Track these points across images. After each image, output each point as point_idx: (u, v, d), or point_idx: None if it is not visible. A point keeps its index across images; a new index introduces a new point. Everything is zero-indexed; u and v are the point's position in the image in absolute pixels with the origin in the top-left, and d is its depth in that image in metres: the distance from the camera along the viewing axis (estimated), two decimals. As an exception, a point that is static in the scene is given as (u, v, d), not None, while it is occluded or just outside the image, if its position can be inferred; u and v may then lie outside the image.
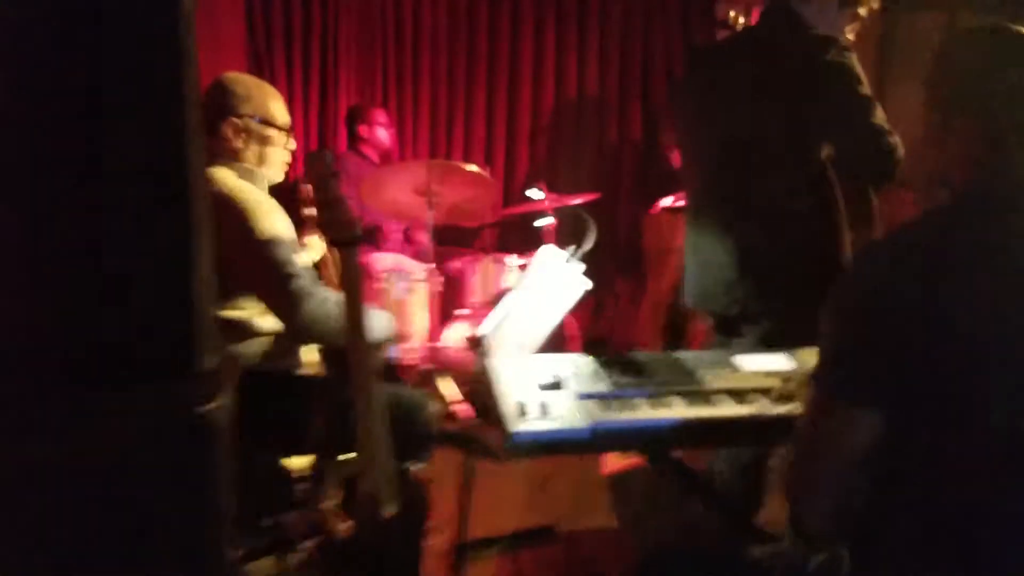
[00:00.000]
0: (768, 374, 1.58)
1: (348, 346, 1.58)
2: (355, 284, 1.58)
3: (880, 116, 1.83)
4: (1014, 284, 0.96)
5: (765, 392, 1.47)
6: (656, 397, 1.45)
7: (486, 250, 3.95)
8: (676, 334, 3.84)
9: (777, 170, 1.94)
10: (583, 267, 1.95)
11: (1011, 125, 1.02)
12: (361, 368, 1.57)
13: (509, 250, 3.97)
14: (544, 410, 1.37)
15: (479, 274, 3.76)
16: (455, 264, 3.85)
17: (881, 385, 0.97)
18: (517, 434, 1.31)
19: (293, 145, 1.94)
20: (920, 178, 1.16)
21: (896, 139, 1.83)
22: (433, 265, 3.49)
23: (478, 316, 3.69)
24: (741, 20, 2.33)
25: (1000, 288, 0.95)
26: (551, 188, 3.77)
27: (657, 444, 1.40)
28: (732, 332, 2.13)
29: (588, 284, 1.83)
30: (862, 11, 1.97)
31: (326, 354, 2.01)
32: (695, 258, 2.16)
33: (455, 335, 3.64)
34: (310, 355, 2.10)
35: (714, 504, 1.69)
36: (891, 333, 0.96)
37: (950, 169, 1.05)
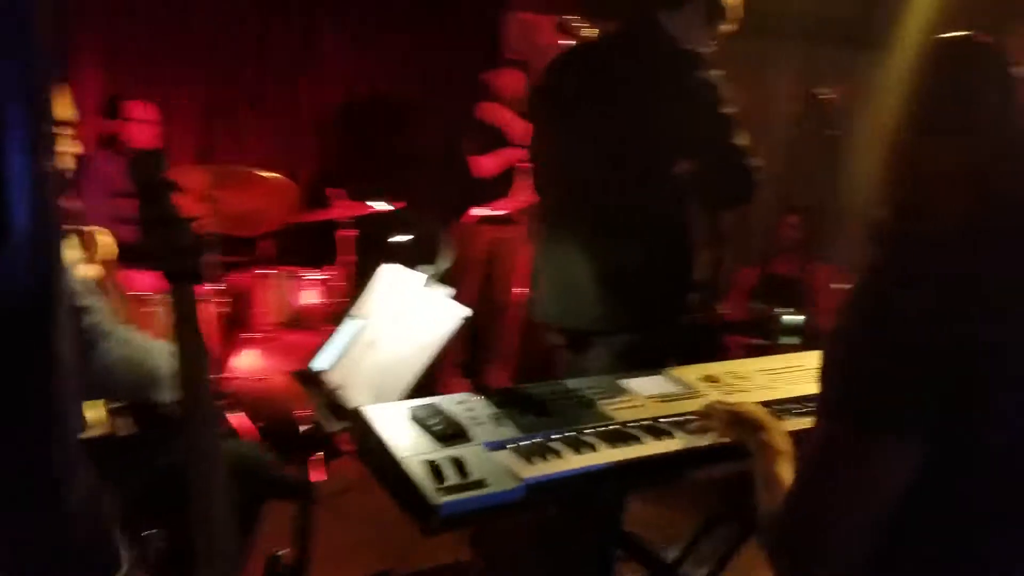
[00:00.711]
0: (664, 398, 1.51)
1: (186, 401, 1.25)
2: (192, 325, 1.25)
3: (743, 137, 1.85)
4: None
5: (678, 423, 1.39)
6: (574, 440, 1.30)
7: (273, 263, 3.54)
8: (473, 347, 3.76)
9: (638, 184, 1.90)
10: (450, 291, 1.74)
11: (994, 144, 1.01)
12: (201, 429, 1.25)
13: (302, 263, 3.60)
14: (461, 470, 1.16)
15: (271, 291, 3.37)
16: (241, 280, 3.40)
17: (932, 416, 0.89)
18: (444, 507, 1.08)
19: (78, 148, 1.51)
20: (882, 205, 1.11)
21: (757, 162, 1.86)
22: (217, 283, 3.05)
23: (273, 340, 3.30)
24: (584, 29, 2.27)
25: None
26: (351, 195, 3.49)
27: (596, 495, 1.25)
28: (583, 347, 2.07)
29: (466, 312, 1.63)
30: (726, 27, 1.98)
31: (133, 411, 1.60)
32: (552, 273, 2.06)
33: (246, 363, 3.22)
34: (94, 412, 1.67)
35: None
36: (944, 359, 0.89)
37: (929, 193, 1.02)
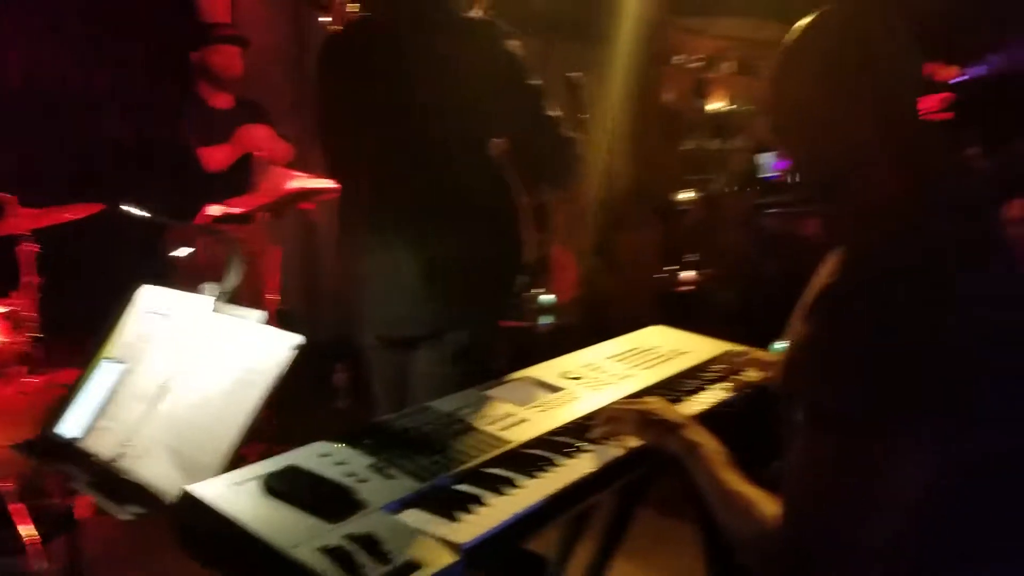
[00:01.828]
0: (542, 407, 1.35)
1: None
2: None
3: (553, 107, 1.74)
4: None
5: (574, 432, 1.24)
6: (486, 479, 1.08)
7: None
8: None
9: (449, 166, 1.70)
10: (263, 315, 1.37)
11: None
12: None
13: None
14: (378, 552, 0.88)
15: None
16: None
17: (937, 416, 0.83)
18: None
19: None
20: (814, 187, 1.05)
21: (572, 135, 1.77)
22: None
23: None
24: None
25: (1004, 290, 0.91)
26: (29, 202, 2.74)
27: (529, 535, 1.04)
28: (407, 352, 1.84)
29: (298, 339, 1.28)
30: None
31: None
32: (367, 273, 1.79)
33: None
34: None
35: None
36: (924, 352, 0.84)
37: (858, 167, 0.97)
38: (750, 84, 7.23)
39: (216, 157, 2.93)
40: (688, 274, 4.49)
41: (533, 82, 1.73)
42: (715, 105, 6.88)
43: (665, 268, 4.60)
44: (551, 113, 1.75)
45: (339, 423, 1.52)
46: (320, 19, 2.06)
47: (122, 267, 2.90)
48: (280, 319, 3.20)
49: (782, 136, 1.08)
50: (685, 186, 6.62)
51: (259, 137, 3.12)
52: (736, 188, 6.98)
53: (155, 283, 1.58)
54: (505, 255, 1.82)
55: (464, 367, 1.73)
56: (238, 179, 3.04)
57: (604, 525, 1.67)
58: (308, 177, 2.85)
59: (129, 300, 1.55)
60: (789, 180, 7.78)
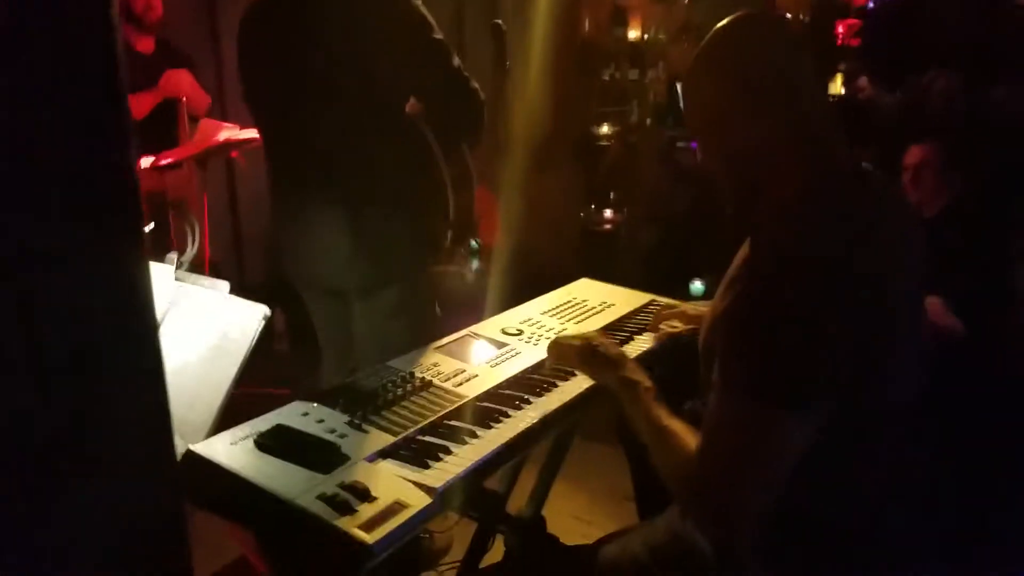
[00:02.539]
0: (491, 363, 1.54)
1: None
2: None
3: (457, 61, 1.84)
4: (903, 261, 1.12)
5: (520, 385, 1.44)
6: (451, 432, 1.27)
7: None
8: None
9: (367, 126, 1.80)
10: (224, 285, 1.47)
11: (818, 109, 1.14)
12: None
13: None
14: (367, 497, 1.07)
15: None
16: None
17: (832, 387, 1.01)
18: (378, 545, 0.99)
19: None
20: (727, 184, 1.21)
21: (477, 85, 1.87)
22: None
23: None
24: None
25: (898, 268, 1.10)
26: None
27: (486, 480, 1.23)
28: (343, 301, 1.98)
29: (264, 310, 1.40)
30: None
31: None
32: (298, 233, 1.90)
33: None
34: None
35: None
36: (842, 334, 1.01)
37: (770, 167, 1.13)
38: (666, 12, 7.36)
39: (141, 104, 2.90)
40: (609, 213, 4.67)
41: (438, 37, 1.82)
42: (633, 34, 6.98)
43: (588, 207, 4.77)
44: (457, 65, 1.84)
45: (281, 366, 1.65)
46: None
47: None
48: (212, 270, 3.25)
49: (697, 137, 1.24)
50: (604, 119, 6.78)
51: (183, 83, 3.08)
52: (653, 120, 7.19)
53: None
54: (428, 213, 1.94)
55: (401, 321, 1.88)
56: (163, 127, 3.02)
57: (544, 456, 1.91)
58: (236, 127, 2.87)
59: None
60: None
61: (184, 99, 3.09)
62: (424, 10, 1.80)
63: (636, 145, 5.24)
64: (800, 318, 1.01)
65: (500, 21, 2.51)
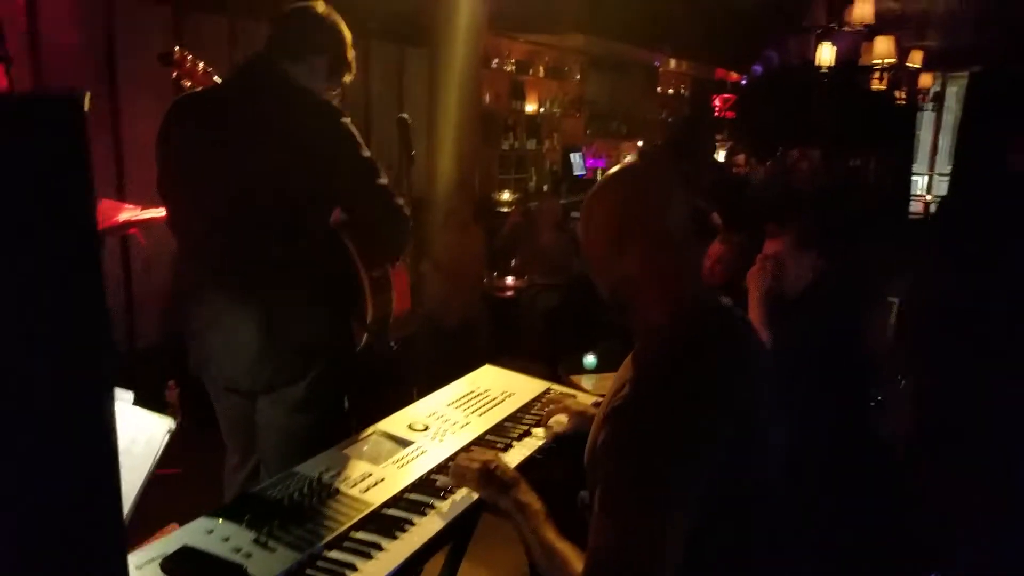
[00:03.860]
0: (396, 463, 1.58)
1: None
2: None
3: (384, 180, 1.92)
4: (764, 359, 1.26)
5: (426, 487, 1.50)
6: (356, 545, 1.30)
7: None
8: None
9: (289, 233, 1.83)
10: (128, 395, 1.46)
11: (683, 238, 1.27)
12: None
13: None
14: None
15: None
16: None
17: (707, 487, 1.11)
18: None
19: None
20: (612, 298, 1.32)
21: (402, 202, 1.95)
22: None
23: None
24: (190, 57, 2.05)
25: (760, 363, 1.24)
26: None
27: None
28: (252, 400, 1.97)
29: (170, 424, 1.40)
30: (347, 78, 1.99)
31: None
32: (208, 331, 1.89)
33: None
34: None
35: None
36: (724, 435, 1.11)
37: (640, 288, 1.26)
38: (560, 87, 7.75)
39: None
40: (510, 280, 4.80)
41: (366, 155, 1.89)
42: (530, 107, 7.30)
43: (490, 274, 4.88)
44: (383, 183, 1.91)
45: (172, 441, 1.62)
46: (181, 81, 2.10)
47: None
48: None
49: (587, 266, 1.36)
50: (504, 185, 7.00)
51: None
52: (550, 187, 7.48)
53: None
54: (345, 317, 1.98)
55: (308, 416, 1.89)
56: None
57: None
58: (138, 208, 2.83)
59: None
60: (599, 178, 8.40)
61: None
62: (353, 128, 1.87)
63: (534, 213, 5.43)
64: (672, 436, 1.11)
65: (406, 115, 2.61)
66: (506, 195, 6.86)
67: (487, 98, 6.64)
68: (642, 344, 1.27)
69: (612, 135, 8.77)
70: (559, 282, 4.86)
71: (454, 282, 4.89)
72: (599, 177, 7.16)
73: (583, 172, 7.91)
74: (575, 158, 7.82)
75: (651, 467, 1.11)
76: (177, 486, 1.93)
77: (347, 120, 1.88)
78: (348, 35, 1.96)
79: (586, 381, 3.14)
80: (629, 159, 1.34)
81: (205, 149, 1.85)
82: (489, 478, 1.42)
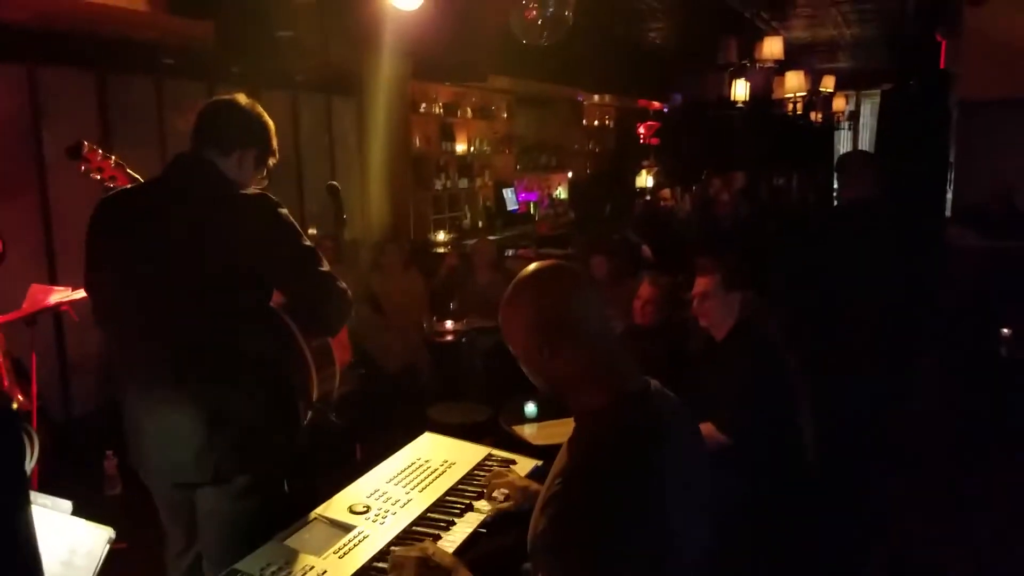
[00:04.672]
0: (338, 552, 1.62)
1: None
2: None
3: (325, 266, 1.97)
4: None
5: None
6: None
7: None
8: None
9: (231, 323, 1.86)
10: (68, 505, 1.47)
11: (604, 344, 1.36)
12: None
13: None
14: None
15: None
16: None
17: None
18: None
19: None
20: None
21: (344, 285, 2.01)
22: None
23: None
24: (100, 151, 2.09)
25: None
26: None
27: None
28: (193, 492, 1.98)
29: (110, 533, 1.41)
30: (271, 162, 2.05)
31: None
32: (151, 428, 1.89)
33: None
34: None
35: None
36: (640, 533, 1.18)
37: (572, 384, 1.35)
38: (489, 126, 7.91)
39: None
40: (450, 324, 4.84)
41: (307, 244, 1.94)
42: (461, 147, 7.42)
43: (430, 318, 4.91)
44: (323, 269, 1.96)
45: (115, 515, 1.63)
46: (92, 175, 2.12)
47: None
48: (39, 416, 3.07)
49: (519, 361, 1.43)
50: (440, 225, 7.09)
51: None
52: (484, 223, 7.60)
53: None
54: (289, 397, 2.00)
55: (250, 502, 1.90)
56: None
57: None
58: (68, 290, 2.82)
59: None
60: (532, 211, 8.54)
61: None
62: (290, 219, 1.91)
63: (469, 255, 5.50)
64: (604, 527, 1.19)
65: (335, 183, 2.68)
66: (441, 235, 6.95)
67: (417, 141, 6.74)
68: (577, 428, 1.35)
69: (542, 168, 8.98)
70: (497, 324, 4.90)
71: (395, 327, 4.92)
72: (532, 211, 7.30)
73: (516, 207, 8.06)
74: (507, 194, 7.97)
75: (588, 554, 1.17)
76: (122, 561, 1.88)
77: (284, 211, 1.92)
78: (272, 125, 2.03)
79: (527, 430, 3.21)
80: (532, 267, 1.41)
81: (136, 244, 1.86)
82: (427, 566, 1.47)
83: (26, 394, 3.01)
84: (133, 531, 2.21)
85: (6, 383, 2.96)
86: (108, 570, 1.45)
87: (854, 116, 12.54)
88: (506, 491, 1.85)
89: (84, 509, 1.47)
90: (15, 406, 0.90)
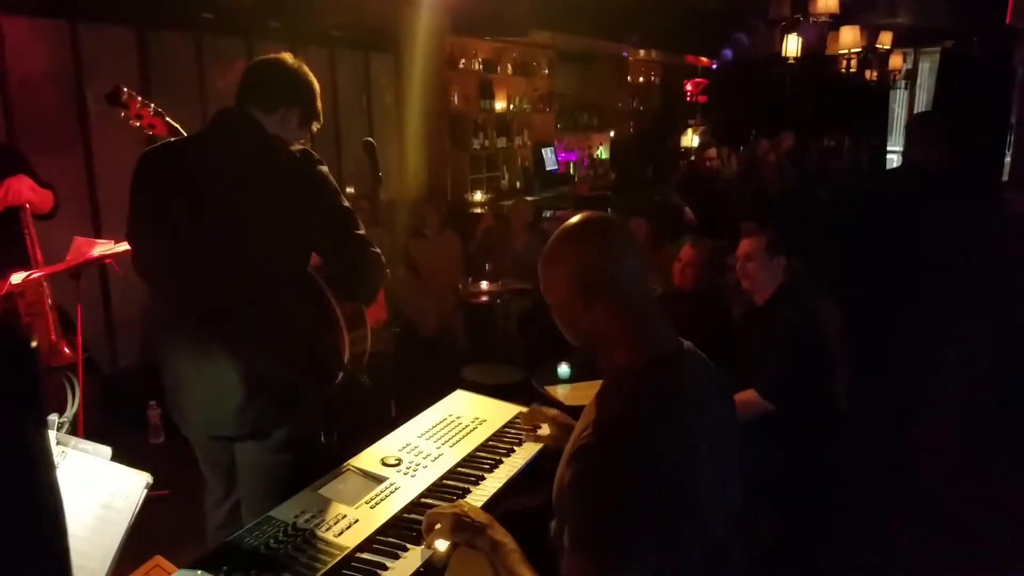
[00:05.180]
0: (370, 502, 1.64)
1: None
2: None
3: (362, 230, 1.96)
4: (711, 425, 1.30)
5: (400, 528, 1.56)
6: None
7: None
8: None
9: (269, 281, 1.88)
10: (106, 451, 1.50)
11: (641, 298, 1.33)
12: None
13: None
14: None
15: None
16: None
17: (656, 551, 1.16)
18: None
19: None
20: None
21: (378, 250, 2.00)
22: None
23: None
24: (139, 98, 2.09)
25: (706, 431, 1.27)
26: None
27: None
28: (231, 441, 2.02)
29: (147, 478, 1.44)
30: (315, 127, 2.03)
31: None
32: (190, 382, 1.92)
33: None
34: None
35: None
36: (658, 508, 1.16)
37: (605, 340, 1.32)
38: (529, 83, 7.78)
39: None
40: (485, 285, 4.83)
41: (346, 206, 1.94)
42: (500, 105, 7.33)
43: (465, 279, 4.91)
44: (359, 232, 1.96)
45: (158, 463, 1.67)
46: (131, 121, 2.13)
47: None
48: (86, 367, 3.16)
49: (553, 313, 1.41)
50: (476, 186, 7.04)
51: (23, 189, 2.99)
52: (522, 184, 7.52)
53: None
54: (322, 357, 2.01)
55: (287, 455, 1.93)
56: (9, 235, 2.93)
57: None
58: (111, 243, 2.86)
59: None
60: (571, 172, 8.43)
61: (27, 205, 3.02)
62: (330, 177, 1.91)
63: (506, 216, 5.46)
64: (631, 485, 1.18)
65: (371, 139, 2.65)
66: (479, 195, 6.91)
67: (455, 99, 6.66)
68: (607, 384, 1.33)
69: (583, 128, 8.82)
70: (533, 286, 4.90)
71: (430, 288, 4.93)
72: (571, 171, 7.21)
73: (555, 167, 7.96)
74: (547, 154, 7.87)
75: (613, 512, 1.17)
76: (165, 507, 1.94)
77: (324, 168, 1.92)
78: (317, 86, 2.00)
79: (561, 391, 3.20)
80: (578, 217, 1.38)
81: (179, 199, 1.86)
82: (462, 526, 1.46)
83: (72, 346, 3.09)
84: (175, 479, 2.27)
85: (53, 334, 3.05)
86: (152, 515, 1.48)
87: (911, 75, 12.00)
88: (545, 428, 1.86)
89: (128, 457, 1.49)
90: (34, 344, 0.89)
